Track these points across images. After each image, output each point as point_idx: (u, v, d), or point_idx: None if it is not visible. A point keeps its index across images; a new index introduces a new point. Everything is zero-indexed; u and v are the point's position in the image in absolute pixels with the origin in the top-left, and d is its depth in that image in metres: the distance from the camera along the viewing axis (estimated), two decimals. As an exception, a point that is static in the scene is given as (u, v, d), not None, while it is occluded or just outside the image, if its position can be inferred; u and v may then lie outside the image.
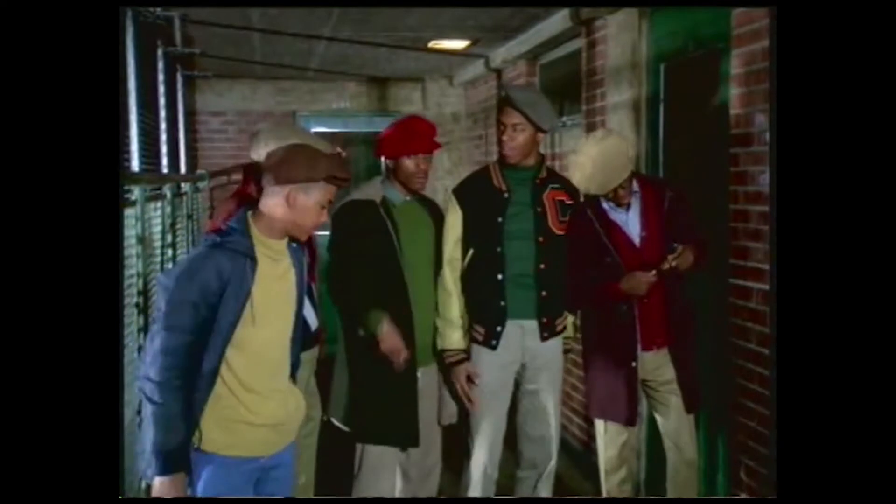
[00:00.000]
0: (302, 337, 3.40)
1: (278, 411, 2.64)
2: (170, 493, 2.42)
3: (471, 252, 3.60)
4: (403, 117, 3.73)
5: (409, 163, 3.53)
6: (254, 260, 2.54)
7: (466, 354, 3.60)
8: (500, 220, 3.59)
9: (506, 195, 3.62)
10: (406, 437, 3.51)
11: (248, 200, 3.18)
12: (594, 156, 3.43)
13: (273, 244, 2.60)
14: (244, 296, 2.51)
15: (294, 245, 2.69)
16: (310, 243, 3.47)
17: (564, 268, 3.64)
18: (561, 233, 3.65)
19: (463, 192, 3.68)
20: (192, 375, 2.46)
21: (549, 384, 3.74)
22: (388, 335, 3.39)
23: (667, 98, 4.37)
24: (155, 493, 2.44)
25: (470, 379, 3.58)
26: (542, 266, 3.62)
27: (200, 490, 2.51)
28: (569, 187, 3.71)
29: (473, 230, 3.61)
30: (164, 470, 2.42)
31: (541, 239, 3.61)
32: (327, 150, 3.52)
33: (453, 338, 3.58)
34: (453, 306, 3.58)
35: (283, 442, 2.69)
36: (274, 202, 2.55)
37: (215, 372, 2.51)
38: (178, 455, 2.44)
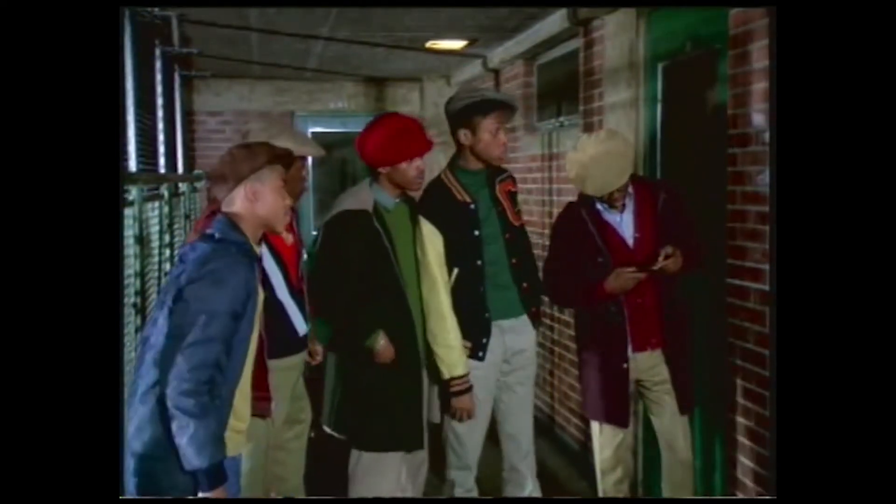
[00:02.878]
0: (290, 342, 3.44)
1: (248, 415, 2.74)
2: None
3: (455, 271, 3.57)
4: (381, 120, 3.53)
5: (408, 168, 3.40)
6: (259, 261, 2.60)
7: (470, 381, 3.55)
8: (476, 233, 3.60)
9: (472, 206, 3.62)
10: (411, 439, 3.48)
11: None
12: (596, 156, 3.42)
13: (256, 248, 2.65)
14: (256, 300, 2.55)
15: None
16: (286, 248, 3.46)
17: (531, 257, 3.74)
18: (518, 224, 3.72)
19: (431, 212, 3.56)
20: (220, 386, 2.44)
21: (527, 379, 3.80)
22: (385, 349, 3.37)
23: (665, 98, 4.37)
24: None
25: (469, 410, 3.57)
26: (515, 260, 3.67)
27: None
28: (509, 175, 3.81)
29: (452, 248, 3.55)
30: (218, 482, 2.42)
31: (507, 236, 3.66)
32: (316, 151, 3.55)
33: (460, 364, 3.52)
34: (454, 331, 3.52)
35: (242, 443, 2.76)
36: (238, 205, 2.61)
37: (237, 382, 2.54)
38: (223, 464, 2.43)
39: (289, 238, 3.49)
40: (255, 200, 2.60)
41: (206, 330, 2.39)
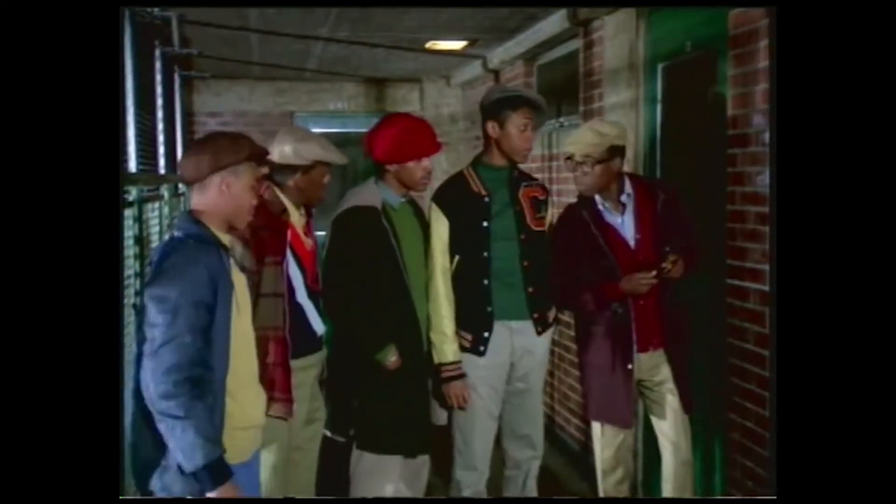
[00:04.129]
0: (309, 342, 3.44)
1: (262, 411, 2.72)
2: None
3: (457, 259, 3.59)
4: (391, 119, 3.59)
5: (416, 168, 3.47)
6: (226, 249, 2.56)
7: (462, 368, 3.57)
8: (485, 224, 3.60)
9: (486, 199, 3.63)
10: (416, 443, 3.47)
11: None
12: (590, 122, 3.68)
13: (224, 237, 2.62)
14: (230, 286, 2.52)
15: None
16: (306, 252, 3.47)
17: (546, 263, 3.69)
18: (538, 229, 3.70)
19: (443, 200, 3.63)
20: (206, 380, 2.40)
21: (538, 383, 3.78)
22: (394, 364, 3.39)
23: (665, 99, 4.38)
24: None
25: (463, 396, 3.57)
26: (527, 263, 3.65)
27: None
28: (539, 183, 3.83)
29: (459, 237, 3.58)
30: (220, 479, 2.36)
31: (523, 237, 3.65)
32: (340, 159, 3.51)
33: (450, 351, 3.55)
34: (448, 318, 3.55)
35: (259, 442, 2.75)
36: (211, 194, 2.56)
37: (225, 371, 2.50)
38: (223, 460, 2.38)
39: (308, 242, 3.51)
40: (228, 195, 2.56)
41: (172, 328, 2.34)
